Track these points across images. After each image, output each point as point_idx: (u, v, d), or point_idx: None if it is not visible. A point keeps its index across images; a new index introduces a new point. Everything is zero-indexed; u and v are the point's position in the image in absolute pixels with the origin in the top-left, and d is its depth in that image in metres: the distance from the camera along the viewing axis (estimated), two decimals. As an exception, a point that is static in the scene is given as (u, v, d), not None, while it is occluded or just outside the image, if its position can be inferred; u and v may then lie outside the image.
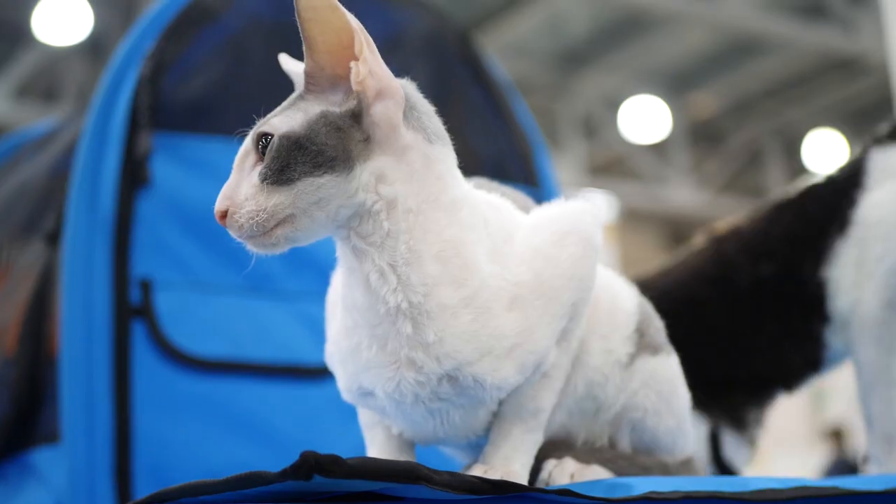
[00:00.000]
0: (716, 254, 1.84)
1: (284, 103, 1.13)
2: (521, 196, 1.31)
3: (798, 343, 1.77)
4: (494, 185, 1.31)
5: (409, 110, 1.12)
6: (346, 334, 1.15)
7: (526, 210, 1.24)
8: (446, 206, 1.11)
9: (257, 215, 1.06)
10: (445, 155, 1.14)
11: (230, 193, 1.08)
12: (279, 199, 1.06)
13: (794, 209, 1.80)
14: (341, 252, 1.13)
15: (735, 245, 1.83)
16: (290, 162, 1.06)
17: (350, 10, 1.10)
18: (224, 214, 1.08)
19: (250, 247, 1.10)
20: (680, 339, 1.74)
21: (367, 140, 1.09)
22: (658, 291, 1.80)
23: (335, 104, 1.10)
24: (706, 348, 1.78)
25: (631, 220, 11.18)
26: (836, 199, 1.73)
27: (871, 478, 1.31)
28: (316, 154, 1.06)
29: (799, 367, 1.80)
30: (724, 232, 1.87)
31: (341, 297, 1.16)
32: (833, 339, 1.74)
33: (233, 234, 1.09)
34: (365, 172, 1.08)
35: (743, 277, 1.79)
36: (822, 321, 1.74)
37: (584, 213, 1.20)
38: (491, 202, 1.18)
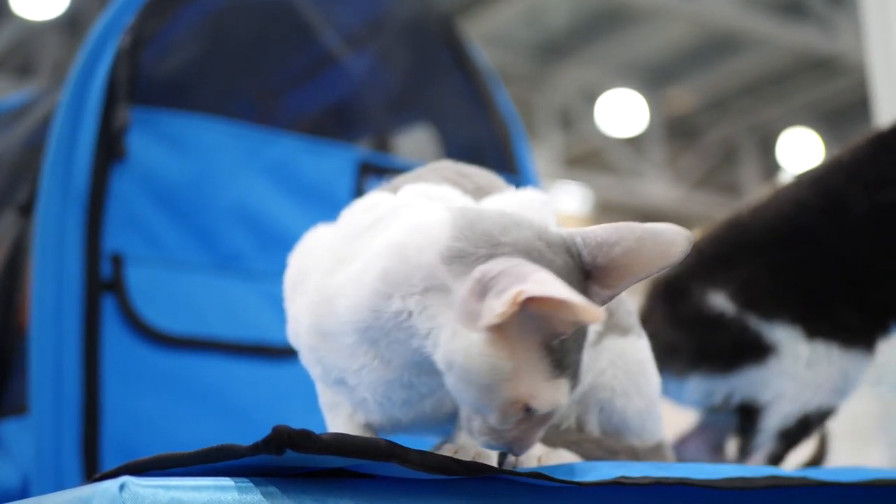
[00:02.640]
0: (817, 186, 1.79)
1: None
2: (484, 174, 1.30)
3: None
4: (458, 165, 1.30)
5: None
6: (347, 351, 1.14)
7: (492, 187, 1.24)
8: None
9: None
10: None
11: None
12: None
13: None
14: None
15: (840, 176, 1.78)
16: None
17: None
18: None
19: None
20: (791, 269, 1.74)
21: None
22: (757, 227, 1.79)
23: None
24: (822, 276, 1.75)
25: (605, 212, 11.18)
26: None
27: (841, 470, 1.32)
28: None
29: None
30: (818, 168, 1.83)
31: (359, 325, 1.12)
32: None
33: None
34: None
35: (859, 205, 1.74)
36: None
37: (534, 200, 1.21)
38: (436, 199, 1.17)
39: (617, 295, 1.06)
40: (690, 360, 1.73)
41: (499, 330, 0.99)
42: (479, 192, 1.22)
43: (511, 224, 1.05)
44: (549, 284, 0.95)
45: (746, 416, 1.74)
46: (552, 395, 1.02)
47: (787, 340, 1.71)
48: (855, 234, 1.74)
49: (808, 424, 1.72)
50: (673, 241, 1.04)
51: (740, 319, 1.72)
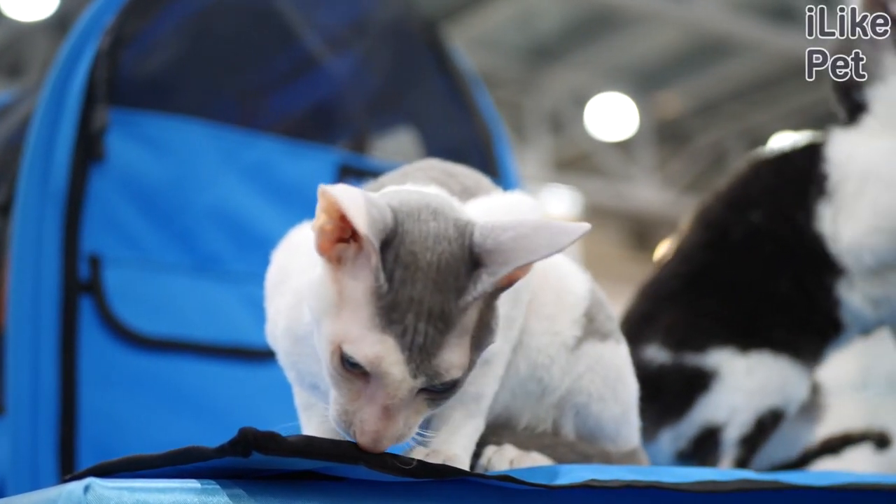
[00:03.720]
0: (702, 220, 1.89)
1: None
2: (472, 174, 1.30)
3: (812, 297, 1.79)
4: (446, 164, 1.30)
5: None
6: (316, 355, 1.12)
7: (479, 188, 1.24)
8: None
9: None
10: None
11: (392, 434, 0.99)
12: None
13: (772, 167, 1.87)
14: None
15: (718, 205, 1.87)
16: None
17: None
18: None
19: None
20: (704, 303, 1.82)
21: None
22: (667, 277, 1.88)
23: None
24: (731, 302, 1.82)
25: (594, 216, 11.17)
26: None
27: (813, 473, 1.32)
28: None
29: (818, 327, 1.81)
30: (705, 202, 1.91)
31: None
32: (847, 294, 1.77)
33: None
34: None
35: (735, 230, 1.83)
36: (831, 274, 1.77)
37: (521, 202, 1.21)
38: (425, 204, 1.14)
39: (496, 280, 0.98)
40: (655, 419, 1.79)
41: (337, 264, 0.99)
42: (465, 193, 1.22)
43: (412, 192, 1.06)
44: (345, 192, 0.95)
45: (707, 440, 1.79)
46: (369, 347, 0.96)
47: (724, 360, 1.78)
48: (736, 259, 1.83)
49: (764, 427, 1.77)
50: (566, 231, 0.99)
51: (677, 362, 1.80)
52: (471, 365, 1.01)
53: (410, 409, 1.00)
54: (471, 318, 1.00)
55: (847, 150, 1.80)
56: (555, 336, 1.24)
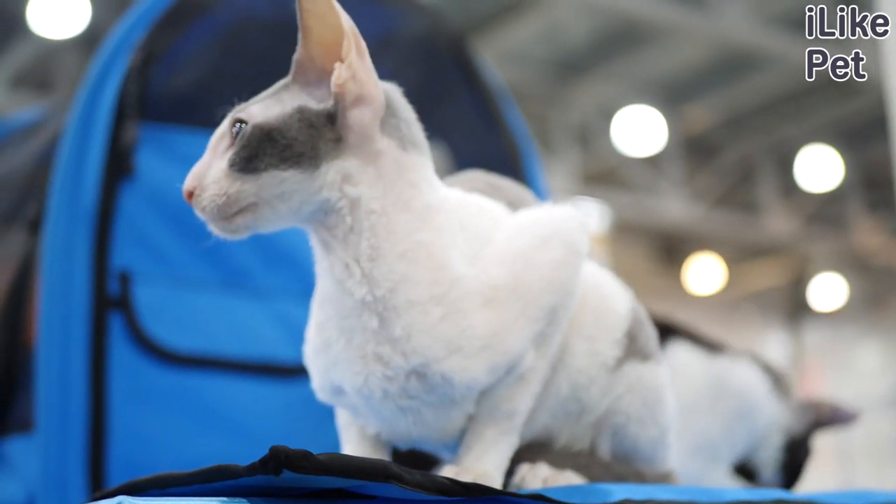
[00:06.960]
0: None
1: (269, 90, 1.16)
2: (516, 188, 1.31)
3: None
4: (491, 177, 1.31)
5: (388, 117, 1.14)
6: (317, 330, 1.17)
7: (522, 202, 1.24)
8: (418, 210, 1.12)
9: (219, 199, 1.09)
10: (420, 163, 1.15)
11: (199, 174, 1.11)
12: (243, 186, 1.09)
13: None
14: (312, 243, 1.15)
15: None
16: (258, 152, 1.09)
17: (344, 6, 1.10)
18: (191, 194, 1.11)
19: (212, 229, 1.12)
20: None
21: (339, 140, 1.10)
22: None
23: (316, 99, 1.12)
24: None
25: (622, 231, 11.16)
26: None
27: (848, 493, 1.30)
28: (284, 148, 1.08)
29: None
30: None
31: (316, 291, 1.17)
32: None
33: (197, 213, 1.12)
34: (331, 171, 1.10)
35: None
36: None
37: (570, 218, 1.20)
38: (476, 205, 1.19)
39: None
40: None
41: None
42: (509, 206, 1.23)
43: None
44: None
45: None
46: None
47: None
48: None
49: None
50: None
51: None
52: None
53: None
54: (289, 100, 1.14)
55: None
56: (595, 356, 1.24)
